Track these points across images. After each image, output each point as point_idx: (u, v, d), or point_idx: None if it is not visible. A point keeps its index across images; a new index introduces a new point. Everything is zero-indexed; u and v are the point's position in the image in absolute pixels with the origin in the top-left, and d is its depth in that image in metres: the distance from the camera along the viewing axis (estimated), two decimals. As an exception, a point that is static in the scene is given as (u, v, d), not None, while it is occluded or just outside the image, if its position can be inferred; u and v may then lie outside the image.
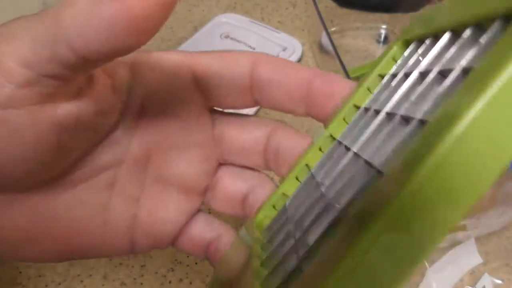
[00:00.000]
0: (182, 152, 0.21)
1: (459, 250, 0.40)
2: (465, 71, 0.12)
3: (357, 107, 0.19)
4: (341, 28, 0.59)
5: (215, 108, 0.22)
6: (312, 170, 0.20)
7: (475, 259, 0.40)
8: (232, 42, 0.54)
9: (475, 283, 0.39)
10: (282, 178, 0.22)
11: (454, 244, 0.40)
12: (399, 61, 0.19)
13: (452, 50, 0.14)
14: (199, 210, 0.23)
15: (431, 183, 0.10)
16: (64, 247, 0.19)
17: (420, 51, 0.17)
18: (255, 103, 0.21)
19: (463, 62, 0.12)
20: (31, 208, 0.18)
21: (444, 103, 0.11)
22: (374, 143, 0.15)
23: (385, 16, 0.59)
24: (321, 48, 0.53)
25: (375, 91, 0.19)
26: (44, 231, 0.18)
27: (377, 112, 0.17)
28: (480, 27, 0.13)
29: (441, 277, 0.39)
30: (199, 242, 0.23)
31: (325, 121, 0.20)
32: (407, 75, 0.17)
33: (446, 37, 0.15)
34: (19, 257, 0.19)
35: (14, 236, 0.18)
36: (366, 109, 0.19)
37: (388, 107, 0.16)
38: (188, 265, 0.38)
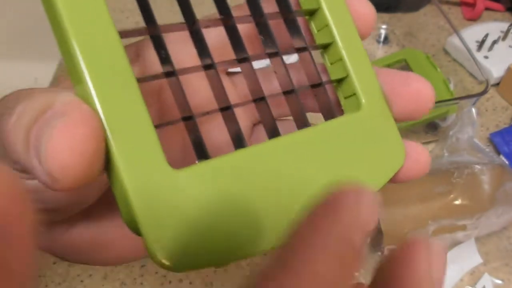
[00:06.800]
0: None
1: (459, 250, 0.40)
2: None
3: None
4: (341, 28, 0.59)
5: None
6: None
7: (475, 259, 0.40)
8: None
9: (475, 283, 0.39)
10: None
11: (454, 244, 0.40)
12: None
13: None
14: None
15: None
16: (131, 252, 0.20)
17: None
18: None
19: None
20: (96, 220, 0.19)
21: None
22: None
23: (385, 16, 0.59)
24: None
25: None
26: (110, 240, 0.19)
27: None
28: None
29: (441, 277, 0.39)
30: None
31: None
32: None
33: None
34: (90, 263, 0.20)
35: (84, 246, 0.19)
36: None
37: None
38: (188, 265, 0.38)
